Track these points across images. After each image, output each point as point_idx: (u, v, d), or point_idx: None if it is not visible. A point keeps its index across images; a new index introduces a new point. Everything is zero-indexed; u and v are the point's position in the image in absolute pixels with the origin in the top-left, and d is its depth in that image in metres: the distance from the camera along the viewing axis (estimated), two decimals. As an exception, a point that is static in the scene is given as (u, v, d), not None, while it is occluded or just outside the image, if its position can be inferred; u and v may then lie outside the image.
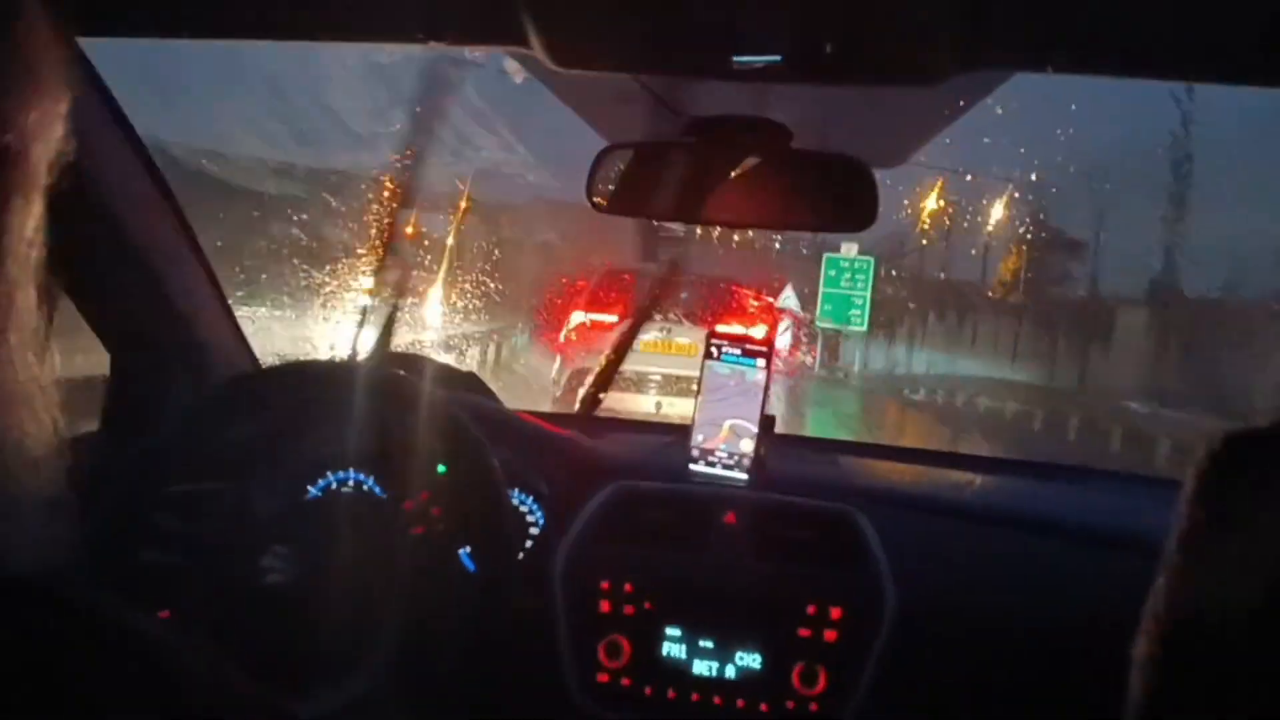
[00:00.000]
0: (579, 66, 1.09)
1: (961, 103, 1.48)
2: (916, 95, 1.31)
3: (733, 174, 1.41)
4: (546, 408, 7.27)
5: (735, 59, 1.04)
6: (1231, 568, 0.51)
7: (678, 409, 7.78)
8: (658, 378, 8.30)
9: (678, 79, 1.27)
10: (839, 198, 1.39)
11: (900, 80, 1.12)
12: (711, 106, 1.32)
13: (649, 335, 8.24)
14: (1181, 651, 0.53)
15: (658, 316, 8.20)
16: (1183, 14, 0.85)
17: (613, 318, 8.79)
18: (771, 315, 10.31)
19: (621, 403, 7.16)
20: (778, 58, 1.02)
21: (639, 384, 8.26)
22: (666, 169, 1.45)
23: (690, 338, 8.46)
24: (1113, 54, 0.95)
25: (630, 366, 7.79)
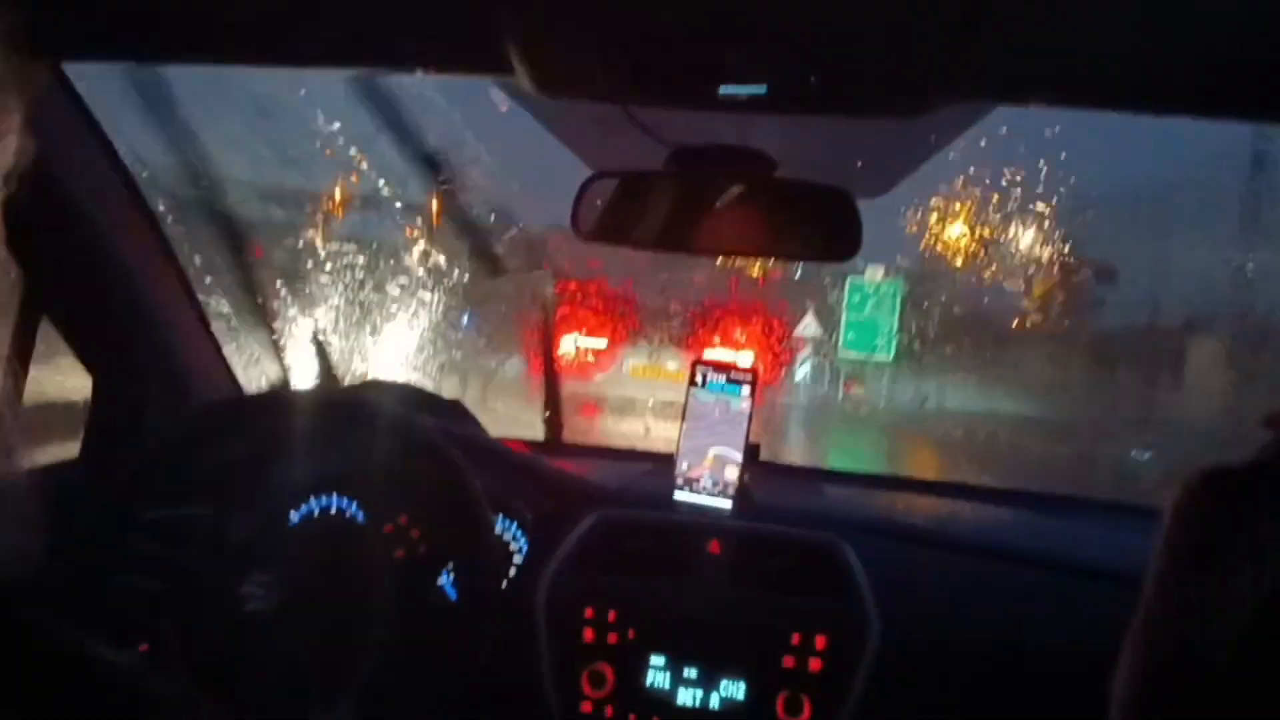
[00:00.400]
0: (564, 96, 1.09)
1: (946, 134, 1.50)
2: (901, 127, 1.32)
3: (717, 204, 1.42)
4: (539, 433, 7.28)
5: (721, 90, 1.04)
6: (1209, 602, 0.52)
7: (665, 433, 7.06)
8: (648, 403, 8.28)
9: (663, 108, 1.27)
10: (823, 227, 1.39)
11: (885, 112, 1.13)
12: (697, 135, 1.33)
13: (637, 360, 8.61)
14: (1162, 686, 0.54)
15: (647, 343, 8.56)
16: (1168, 48, 0.86)
17: (602, 342, 8.76)
18: (766, 341, 10.33)
19: (611, 426, 7.61)
20: (762, 89, 1.03)
21: (628, 407, 8.31)
22: (651, 198, 1.45)
23: (679, 363, 8.46)
24: (1097, 88, 0.96)
25: (618, 391, 8.38)
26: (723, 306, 9.90)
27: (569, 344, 8.76)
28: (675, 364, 8.54)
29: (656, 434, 7.40)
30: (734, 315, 9.90)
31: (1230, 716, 0.50)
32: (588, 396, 8.16)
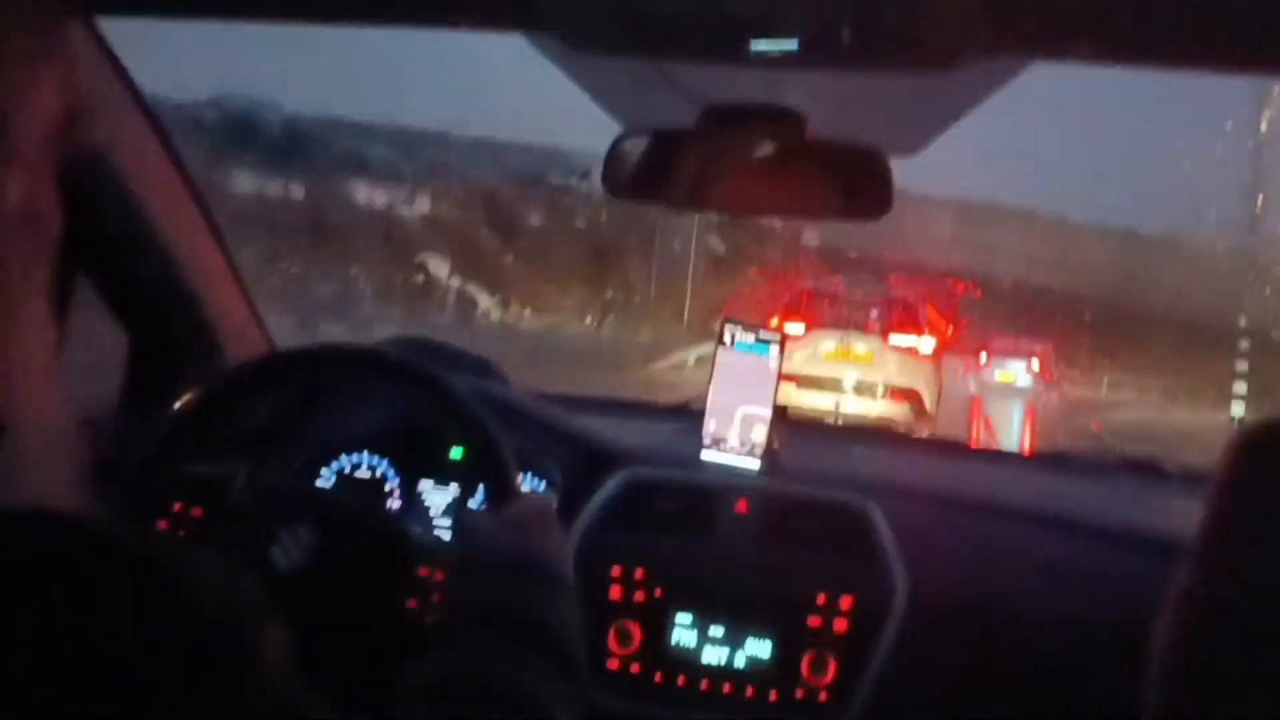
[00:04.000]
0: (594, 51, 1.09)
1: (979, 91, 1.47)
2: (933, 83, 1.30)
3: (747, 162, 1.41)
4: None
5: (751, 45, 1.03)
6: (1263, 555, 0.51)
7: (854, 408, 9.40)
8: (837, 380, 9.61)
9: (694, 65, 1.26)
10: (853, 186, 1.38)
11: (916, 67, 1.11)
12: (728, 93, 1.32)
13: (830, 344, 9.94)
14: (1211, 637, 0.53)
15: (838, 329, 10.11)
16: (1209, 3, 0.84)
17: (800, 328, 10.20)
18: (942, 328, 11.56)
19: (807, 400, 8.95)
20: (794, 44, 1.01)
21: (822, 384, 9.51)
22: (682, 156, 1.44)
23: (867, 345, 10.02)
24: (1134, 42, 0.94)
25: (813, 370, 9.65)
26: (905, 299, 11.36)
27: (772, 325, 9.85)
28: (863, 346, 10.03)
29: (846, 409, 9.15)
30: (915, 305, 11.02)
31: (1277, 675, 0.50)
32: (786, 372, 8.58)
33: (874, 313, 10.76)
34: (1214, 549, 0.54)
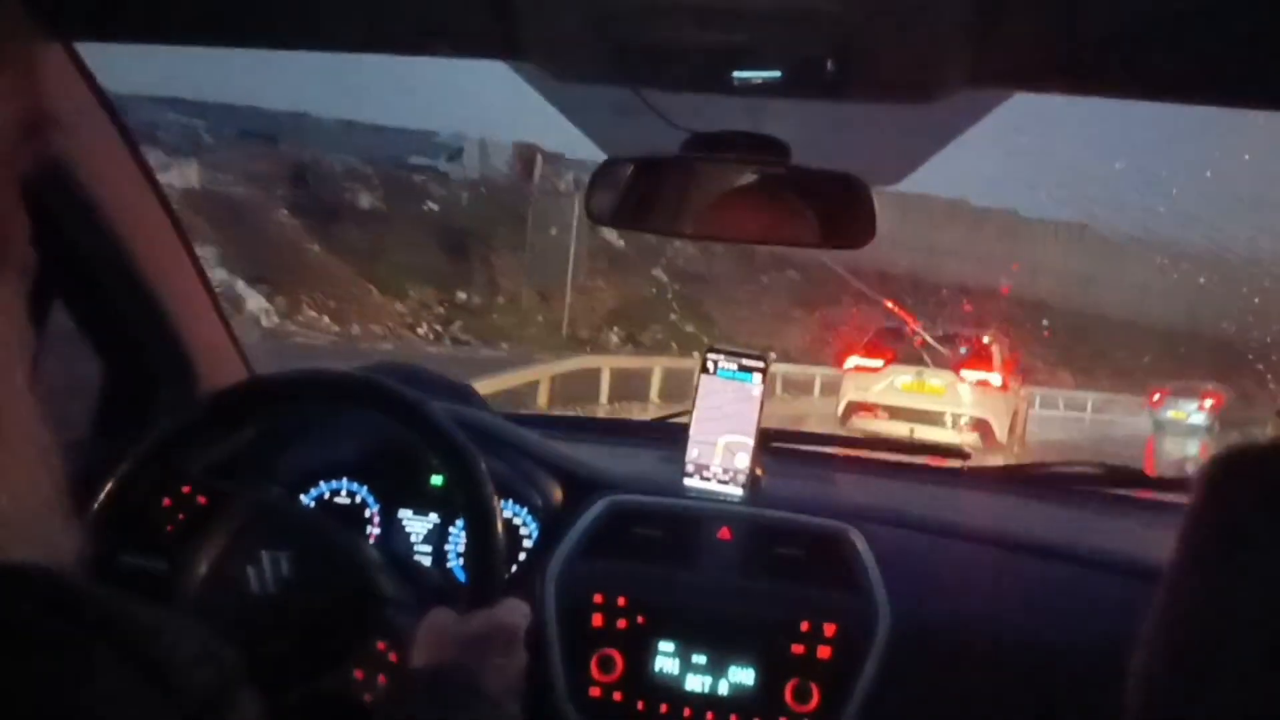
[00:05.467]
0: (579, 79, 1.09)
1: (961, 121, 1.49)
2: (916, 113, 1.32)
3: (731, 190, 1.41)
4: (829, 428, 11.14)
5: (735, 74, 1.04)
6: (1239, 580, 0.51)
7: (927, 434, 10.31)
8: (913, 410, 10.88)
9: (677, 93, 1.27)
10: (836, 215, 1.39)
11: (900, 98, 1.12)
12: (712, 121, 1.32)
13: (907, 378, 11.19)
14: (1189, 662, 0.53)
15: (914, 364, 11.29)
16: (1188, 36, 0.85)
17: (879, 363, 11.52)
18: (1013, 365, 12.42)
19: (884, 428, 10.47)
20: (777, 73, 1.02)
21: (899, 414, 10.89)
22: (666, 183, 1.45)
23: (940, 380, 11.19)
24: (1114, 75, 0.95)
25: (891, 401, 11.05)
26: (977, 336, 12.39)
27: (851, 363, 11.95)
28: (938, 381, 11.23)
29: (920, 434, 10.25)
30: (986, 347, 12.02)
31: (1252, 697, 0.49)
32: (868, 401, 11.21)
33: (946, 349, 11.80)
34: (1185, 576, 0.54)
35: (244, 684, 0.51)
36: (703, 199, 1.44)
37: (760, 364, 1.51)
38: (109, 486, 1.23)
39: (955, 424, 10.98)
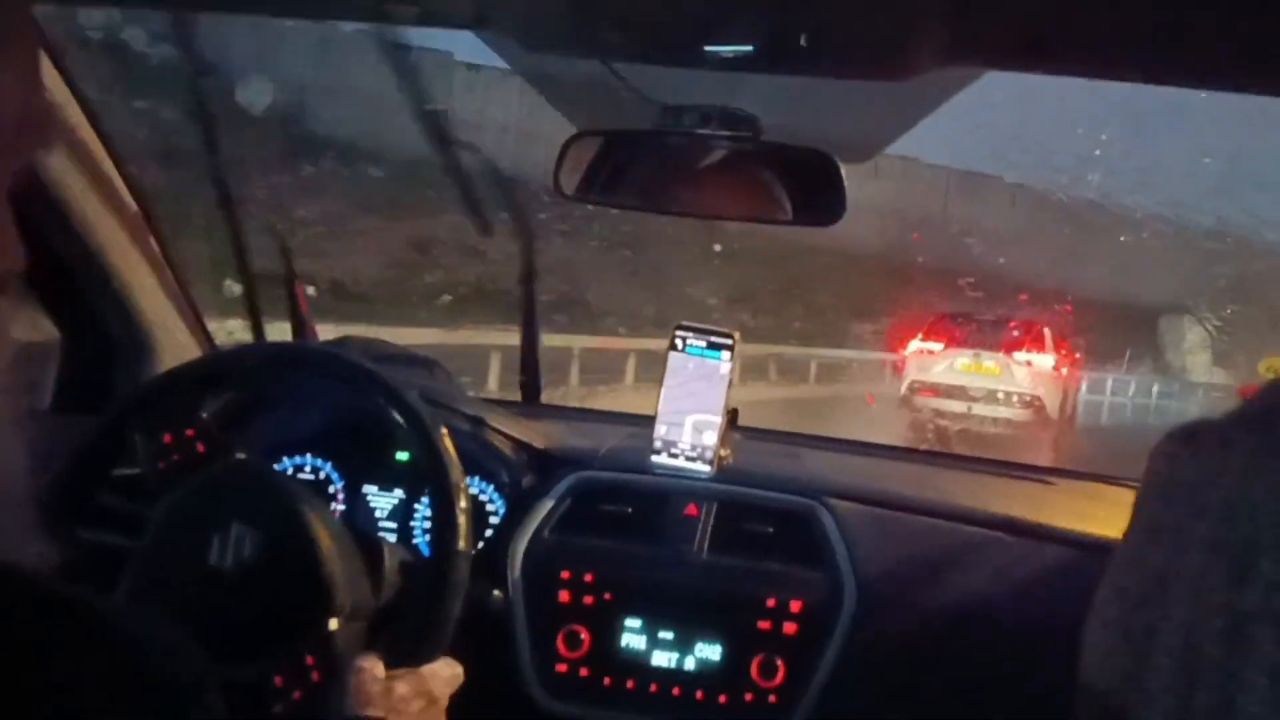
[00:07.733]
0: (549, 51, 1.08)
1: (932, 99, 1.48)
2: (887, 90, 1.31)
3: (701, 165, 1.40)
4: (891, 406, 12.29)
5: (707, 48, 1.03)
6: (1178, 554, 0.52)
7: (984, 411, 11.65)
8: (971, 389, 11.84)
9: (649, 66, 1.26)
10: (806, 191, 1.38)
11: (872, 74, 1.12)
12: (683, 95, 1.31)
13: (965, 359, 12.09)
14: (1129, 636, 0.54)
15: (971, 347, 12.20)
16: (1163, 16, 0.85)
17: (939, 346, 12.47)
18: (1065, 348, 13.19)
19: (945, 406, 11.80)
20: (750, 47, 1.01)
21: (958, 393, 11.86)
22: (635, 158, 1.43)
23: (995, 361, 12.04)
24: (1087, 54, 0.95)
25: (951, 380, 11.99)
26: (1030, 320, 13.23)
27: (913, 347, 12.80)
28: (993, 362, 12.02)
29: (977, 410, 11.57)
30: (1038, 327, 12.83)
31: (1194, 657, 0.51)
32: (928, 382, 12.15)
33: (1000, 332, 12.69)
34: (1136, 546, 0.55)
35: (209, 682, 0.51)
36: (672, 174, 1.43)
37: (729, 341, 1.50)
38: (64, 461, 1.20)
39: (1009, 401, 11.84)
